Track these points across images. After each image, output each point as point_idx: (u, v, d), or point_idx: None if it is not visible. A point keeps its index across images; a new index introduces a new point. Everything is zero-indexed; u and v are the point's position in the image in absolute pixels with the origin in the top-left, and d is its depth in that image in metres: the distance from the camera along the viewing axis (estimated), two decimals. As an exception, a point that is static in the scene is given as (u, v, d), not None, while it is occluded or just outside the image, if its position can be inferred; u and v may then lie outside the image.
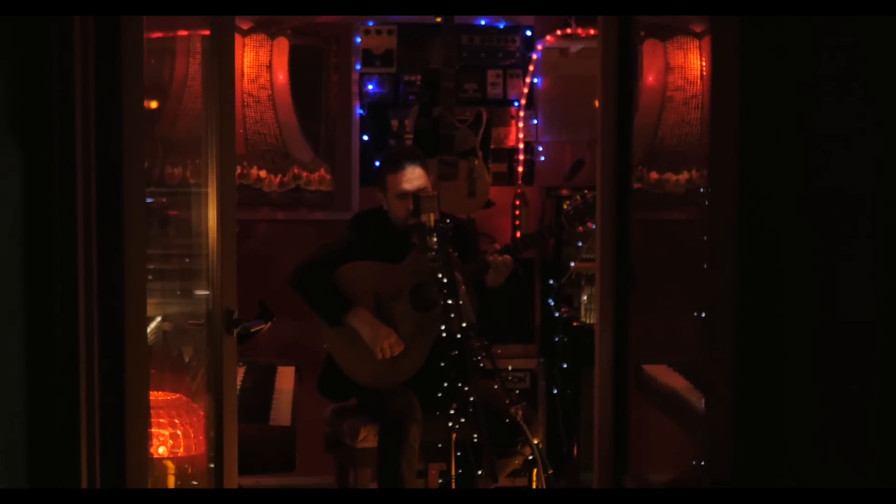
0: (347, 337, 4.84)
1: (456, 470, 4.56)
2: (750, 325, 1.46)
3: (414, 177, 4.84)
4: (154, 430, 3.23)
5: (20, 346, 2.31)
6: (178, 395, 3.42)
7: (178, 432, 3.31)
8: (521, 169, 6.13)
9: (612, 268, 1.77)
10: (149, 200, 3.35)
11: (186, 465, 3.44)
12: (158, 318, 3.50)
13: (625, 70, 1.80)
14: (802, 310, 1.57)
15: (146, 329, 2.71)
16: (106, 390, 2.44)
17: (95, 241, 2.38)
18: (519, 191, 6.12)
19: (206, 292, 3.63)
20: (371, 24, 6.07)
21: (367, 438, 4.81)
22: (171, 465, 3.43)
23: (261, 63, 5.66)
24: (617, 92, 1.80)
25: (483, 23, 6.17)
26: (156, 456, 3.28)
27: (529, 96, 6.14)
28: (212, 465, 3.57)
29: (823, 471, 1.46)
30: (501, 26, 6.17)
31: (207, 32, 3.59)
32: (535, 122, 6.17)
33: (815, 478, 1.44)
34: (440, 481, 5.07)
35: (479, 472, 4.41)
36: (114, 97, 2.41)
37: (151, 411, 3.04)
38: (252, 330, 3.90)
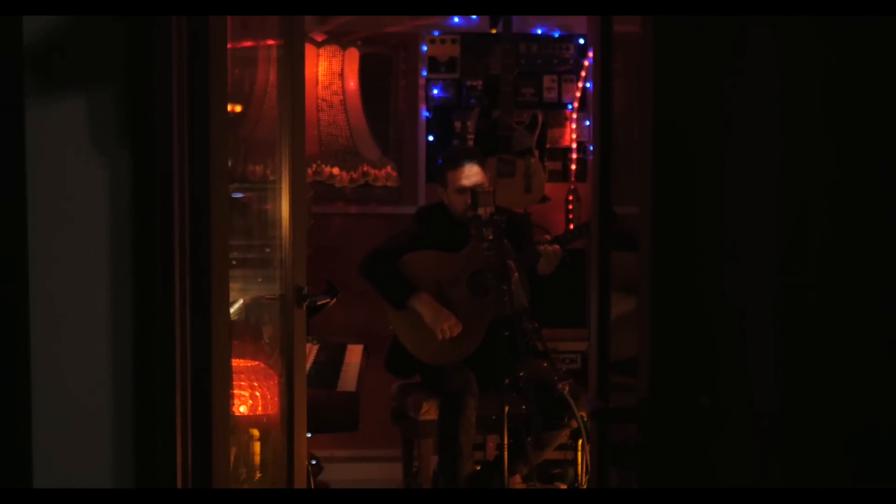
0: (411, 319, 5.03)
1: (508, 439, 4.71)
2: (662, 261, 1.69)
3: (472, 174, 5.02)
4: (236, 391, 3.40)
5: (129, 312, 2.53)
6: (257, 363, 3.61)
7: (257, 394, 3.50)
8: (574, 167, 6.24)
9: (598, 247, 2.10)
10: (237, 196, 3.53)
11: (264, 422, 3.60)
12: (241, 300, 3.66)
13: (606, 69, 2.01)
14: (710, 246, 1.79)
15: (229, 303, 2.82)
16: (196, 354, 2.57)
17: (189, 228, 2.51)
18: (572, 187, 6.23)
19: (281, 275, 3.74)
20: (436, 33, 6.20)
21: (430, 411, 5.02)
22: (255, 432, 3.60)
23: (333, 72, 5.68)
24: (601, 91, 2.04)
25: (539, 32, 6.24)
26: (237, 414, 3.44)
27: (582, 99, 6.23)
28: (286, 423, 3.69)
29: (736, 393, 1.76)
30: (556, 35, 6.25)
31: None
32: (588, 123, 6.27)
33: (727, 399, 1.75)
34: (497, 452, 5.15)
35: (528, 439, 4.58)
36: (203, 97, 2.48)
37: (234, 376, 3.20)
38: (318, 303, 4.06)
